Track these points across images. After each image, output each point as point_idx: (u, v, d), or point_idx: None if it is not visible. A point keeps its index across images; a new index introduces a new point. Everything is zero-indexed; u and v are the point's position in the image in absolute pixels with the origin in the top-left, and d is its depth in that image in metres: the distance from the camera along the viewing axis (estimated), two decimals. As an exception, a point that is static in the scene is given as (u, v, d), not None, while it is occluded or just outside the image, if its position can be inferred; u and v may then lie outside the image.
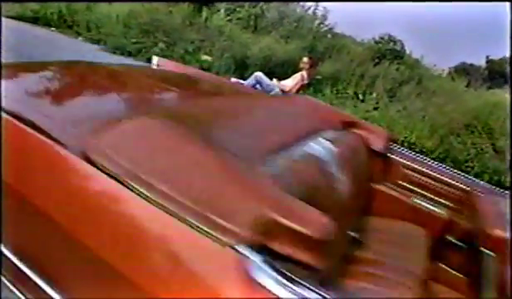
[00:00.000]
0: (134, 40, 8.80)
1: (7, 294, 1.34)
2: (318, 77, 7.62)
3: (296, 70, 6.97)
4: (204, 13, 10.61)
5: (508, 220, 1.40)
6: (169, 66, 2.52)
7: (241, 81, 6.12)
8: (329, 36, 9.47)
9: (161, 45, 8.15)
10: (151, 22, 9.22)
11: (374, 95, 7.54)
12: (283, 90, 5.84)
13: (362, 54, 8.39)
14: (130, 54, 8.61)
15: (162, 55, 8.15)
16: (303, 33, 9.00)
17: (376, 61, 8.48)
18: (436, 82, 8.58)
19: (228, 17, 10.62)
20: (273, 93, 5.84)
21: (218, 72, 7.84)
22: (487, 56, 39.22)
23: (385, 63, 8.39)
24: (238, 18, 10.52)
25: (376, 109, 7.07)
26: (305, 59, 5.91)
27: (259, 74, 5.87)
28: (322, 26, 9.37)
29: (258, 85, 5.90)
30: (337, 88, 7.66)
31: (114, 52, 8.60)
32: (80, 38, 9.64)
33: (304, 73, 5.82)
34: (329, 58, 8.35)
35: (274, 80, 5.99)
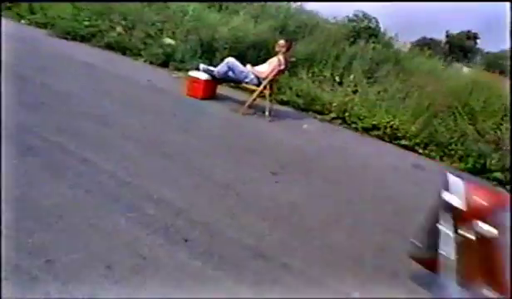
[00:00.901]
0: (87, 23, 7.87)
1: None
2: (293, 59, 7.09)
3: (269, 52, 6.43)
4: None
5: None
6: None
7: (211, 68, 5.49)
8: (301, 15, 8.91)
9: (119, 29, 7.29)
10: (105, 3, 8.29)
11: (352, 76, 7.13)
12: (258, 77, 5.27)
13: (337, 33, 7.92)
14: (83, 39, 7.70)
15: (120, 40, 7.33)
16: (273, 12, 8.40)
17: (352, 40, 8.04)
18: (415, 61, 8.29)
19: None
20: (247, 80, 5.26)
21: (183, 57, 7.15)
22: (447, 31, 39.88)
23: (360, 42, 7.97)
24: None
25: (355, 92, 6.66)
26: (281, 41, 5.35)
27: (231, 60, 5.27)
28: (292, 3, 8.80)
29: (230, 73, 5.31)
30: (313, 70, 7.18)
31: (65, 38, 7.66)
32: (23, 21, 8.56)
33: (281, 57, 5.28)
34: (302, 38, 7.82)
35: (248, 65, 5.40)
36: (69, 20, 7.87)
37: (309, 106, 6.46)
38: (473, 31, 38.36)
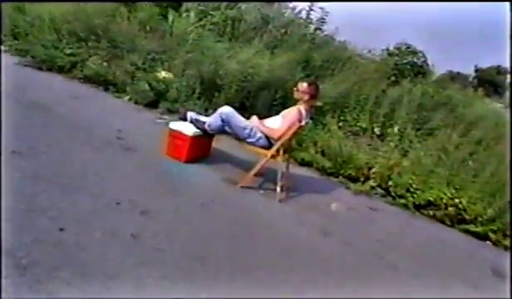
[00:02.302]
0: (69, 51, 6.50)
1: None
2: (318, 104, 5.44)
3: (287, 95, 4.78)
4: (170, 16, 8.39)
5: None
6: None
7: (201, 119, 3.86)
8: (329, 46, 7.32)
9: (94, 58, 5.85)
10: (95, 27, 6.94)
11: (396, 128, 5.40)
12: (269, 138, 3.61)
13: (375, 70, 6.25)
14: (61, 70, 6.30)
15: (102, 72, 5.88)
16: (294, 42, 6.82)
17: (393, 79, 6.34)
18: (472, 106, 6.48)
19: (201, 22, 8.43)
20: (251, 139, 3.60)
21: (178, 95, 5.61)
22: (475, 65, 37.93)
23: (404, 82, 6.26)
24: (213, 23, 8.33)
25: (403, 153, 4.89)
26: (303, 85, 3.68)
27: (226, 110, 3.65)
28: (319, 32, 7.21)
29: (226, 128, 3.67)
30: (345, 118, 5.50)
31: (39, 68, 6.28)
32: (2, 47, 7.28)
33: (302, 107, 3.61)
34: (331, 76, 6.20)
35: (254, 118, 3.75)
36: (48, 47, 6.52)
37: (339, 170, 4.73)
38: (503, 66, 36.43)
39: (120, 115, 5.00)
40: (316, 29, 7.09)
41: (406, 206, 4.41)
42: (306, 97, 3.60)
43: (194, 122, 3.81)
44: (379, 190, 4.67)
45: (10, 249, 1.95)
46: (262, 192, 3.71)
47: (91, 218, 2.49)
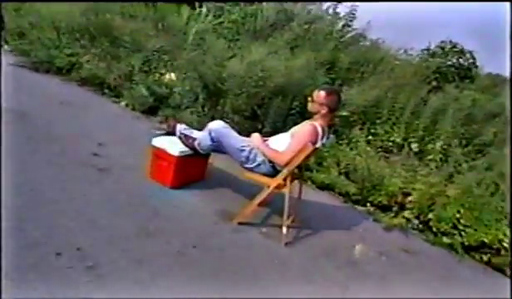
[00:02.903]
0: (69, 51, 5.95)
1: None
2: (344, 114, 4.57)
3: (307, 102, 3.91)
4: (185, 13, 7.74)
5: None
6: None
7: (193, 134, 3.11)
8: (359, 45, 6.40)
9: (86, 57, 5.24)
10: (101, 25, 6.36)
11: (438, 144, 4.43)
12: (272, 162, 2.79)
13: (414, 74, 5.28)
14: (59, 71, 5.76)
15: (99, 74, 5.26)
16: (319, 40, 5.96)
17: (435, 84, 5.34)
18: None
19: (220, 19, 7.73)
20: (250, 165, 2.80)
21: (181, 101, 4.90)
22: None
23: (449, 88, 5.25)
24: (231, 21, 7.60)
25: (447, 174, 3.94)
26: (320, 94, 2.79)
27: (216, 127, 2.87)
28: (347, 29, 6.30)
29: (220, 147, 2.89)
30: (376, 131, 4.60)
31: (36, 69, 5.76)
32: (6, 47, 6.86)
33: (318, 124, 2.76)
34: (360, 80, 5.29)
35: (255, 136, 2.94)
36: (49, 46, 6.00)
37: (367, 197, 3.85)
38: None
39: (111, 125, 4.35)
40: (344, 26, 6.19)
41: (451, 246, 3.48)
42: (323, 110, 2.75)
43: (183, 138, 3.06)
44: (415, 220, 3.77)
45: None
46: (264, 230, 2.90)
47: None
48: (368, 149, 4.36)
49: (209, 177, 3.43)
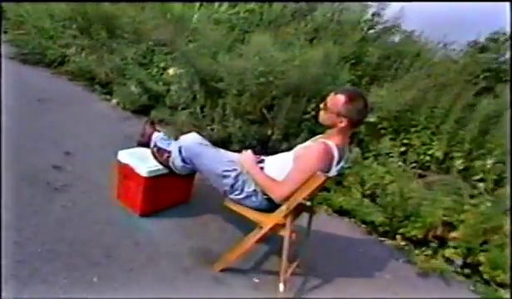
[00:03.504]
0: (63, 41, 5.37)
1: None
2: (371, 120, 3.74)
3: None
4: (197, 3, 7.04)
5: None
6: None
7: (168, 147, 2.38)
8: (390, 37, 5.49)
9: (72, 50, 4.62)
10: (101, 15, 5.74)
11: (490, 161, 3.53)
12: (266, 193, 2.03)
13: (459, 72, 4.36)
14: (51, 63, 5.18)
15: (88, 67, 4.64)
16: (344, 30, 5.11)
17: (485, 84, 4.40)
18: None
19: (235, 9, 7.00)
20: (237, 195, 2.05)
21: (178, 99, 4.21)
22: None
23: (503, 89, 4.30)
24: (247, 10, 6.86)
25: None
26: (338, 98, 1.98)
27: (187, 143, 2.14)
28: (378, 19, 5.41)
29: (190, 166, 2.15)
30: (410, 142, 3.75)
31: (24, 60, 5.22)
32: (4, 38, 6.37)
33: (332, 142, 1.96)
34: (393, 78, 4.43)
35: (246, 153, 2.17)
36: (43, 36, 5.45)
37: (397, 229, 3.03)
38: None
39: (91, 127, 3.69)
40: (373, 14, 5.31)
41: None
42: (342, 124, 1.94)
43: (155, 153, 2.34)
44: (458, 261, 2.93)
45: None
46: (256, 280, 2.16)
47: None
48: (401, 163, 3.52)
49: (195, 199, 2.72)
